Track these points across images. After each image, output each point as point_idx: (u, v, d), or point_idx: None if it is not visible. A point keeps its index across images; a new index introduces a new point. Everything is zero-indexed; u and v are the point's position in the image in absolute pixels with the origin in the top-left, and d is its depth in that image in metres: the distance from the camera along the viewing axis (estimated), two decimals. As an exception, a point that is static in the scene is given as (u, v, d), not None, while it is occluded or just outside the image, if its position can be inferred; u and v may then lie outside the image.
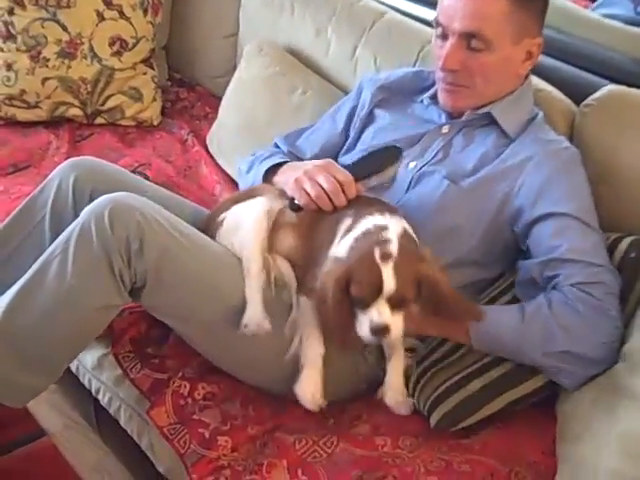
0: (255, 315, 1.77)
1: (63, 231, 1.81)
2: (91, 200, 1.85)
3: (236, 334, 1.80)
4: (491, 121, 1.99)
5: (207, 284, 1.82)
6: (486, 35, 1.88)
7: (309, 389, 1.78)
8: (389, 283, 1.61)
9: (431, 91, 2.10)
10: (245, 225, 1.89)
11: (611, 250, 1.86)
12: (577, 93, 2.12)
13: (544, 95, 2.10)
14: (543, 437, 1.80)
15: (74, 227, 1.77)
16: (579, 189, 1.88)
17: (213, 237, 1.94)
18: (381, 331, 1.63)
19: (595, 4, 3.16)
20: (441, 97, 2.03)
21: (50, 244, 1.85)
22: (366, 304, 1.63)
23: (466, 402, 1.81)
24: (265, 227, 1.88)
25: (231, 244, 1.90)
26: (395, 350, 1.86)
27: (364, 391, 1.96)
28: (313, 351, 1.80)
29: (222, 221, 1.95)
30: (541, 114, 2.01)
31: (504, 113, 1.98)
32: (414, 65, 2.40)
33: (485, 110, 1.98)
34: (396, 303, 1.63)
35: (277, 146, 2.32)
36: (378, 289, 1.62)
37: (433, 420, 1.82)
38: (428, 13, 2.57)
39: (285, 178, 2.02)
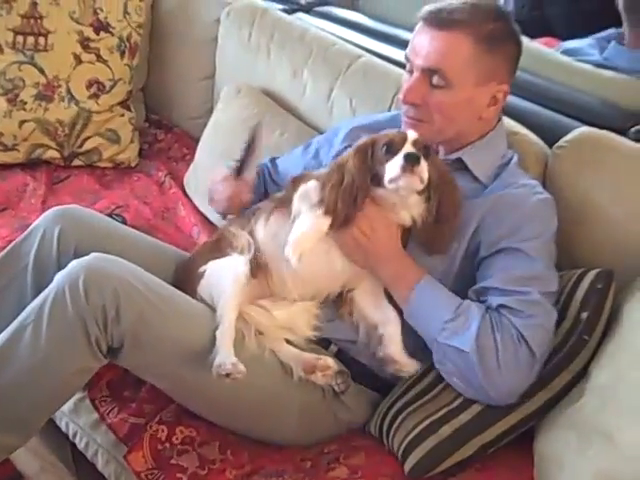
0: (228, 357, 1.75)
1: (45, 282, 1.81)
2: (75, 253, 1.86)
3: (215, 387, 1.79)
4: (463, 167, 1.99)
5: (182, 343, 1.81)
6: (446, 73, 1.89)
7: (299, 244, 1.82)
8: (412, 133, 1.85)
9: None
10: (225, 283, 1.88)
11: (577, 283, 1.87)
12: (549, 135, 2.14)
13: (518, 138, 2.12)
14: (522, 479, 1.79)
15: (48, 294, 1.76)
16: (539, 234, 1.86)
17: (194, 286, 1.94)
18: (412, 160, 1.78)
19: (558, 50, 3.19)
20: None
21: (31, 294, 1.85)
22: (393, 150, 1.81)
23: (437, 449, 1.80)
24: (244, 287, 1.88)
25: (210, 297, 1.90)
26: (391, 314, 1.88)
27: (342, 434, 1.97)
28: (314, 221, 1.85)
29: (203, 273, 1.95)
30: (515, 158, 2.01)
31: (474, 158, 1.99)
32: (389, 108, 2.42)
33: (456, 155, 1.99)
34: (420, 149, 1.81)
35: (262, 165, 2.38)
36: (404, 137, 1.83)
37: (407, 467, 1.81)
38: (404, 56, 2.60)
39: None
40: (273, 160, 2.40)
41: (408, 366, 1.85)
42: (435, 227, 1.87)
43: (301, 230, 1.84)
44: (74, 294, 1.72)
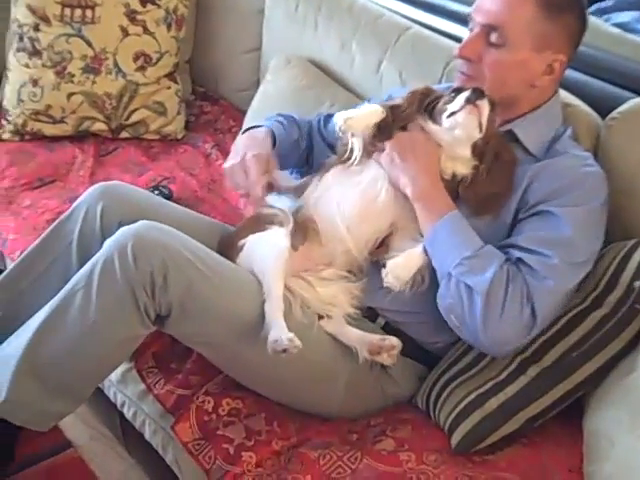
0: (283, 332, 1.74)
1: (89, 259, 1.81)
2: (119, 228, 1.85)
3: (262, 357, 1.78)
4: (514, 139, 1.96)
5: (231, 313, 1.81)
6: (505, 32, 1.87)
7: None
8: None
9: None
10: (266, 257, 1.88)
11: (631, 252, 1.84)
12: (602, 106, 2.10)
13: (570, 109, 2.08)
14: (570, 454, 1.79)
15: (97, 260, 1.77)
16: (579, 203, 1.84)
17: (233, 259, 1.94)
18: (478, 94, 1.83)
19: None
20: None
21: (76, 271, 1.86)
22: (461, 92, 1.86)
23: (483, 423, 1.80)
24: (286, 261, 1.87)
25: (250, 269, 1.90)
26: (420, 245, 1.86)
27: (389, 407, 1.97)
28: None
29: (242, 247, 1.95)
30: (569, 131, 1.98)
31: (526, 130, 1.96)
32: (440, 80, 2.38)
33: (507, 127, 1.96)
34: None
35: (311, 121, 2.34)
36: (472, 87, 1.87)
37: (454, 442, 1.81)
38: (453, 28, 2.58)
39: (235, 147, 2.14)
40: (328, 116, 2.34)
41: (393, 279, 1.82)
42: (485, 189, 1.88)
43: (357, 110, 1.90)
44: (123, 260, 1.73)
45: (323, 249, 1.95)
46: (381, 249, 1.94)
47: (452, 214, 1.85)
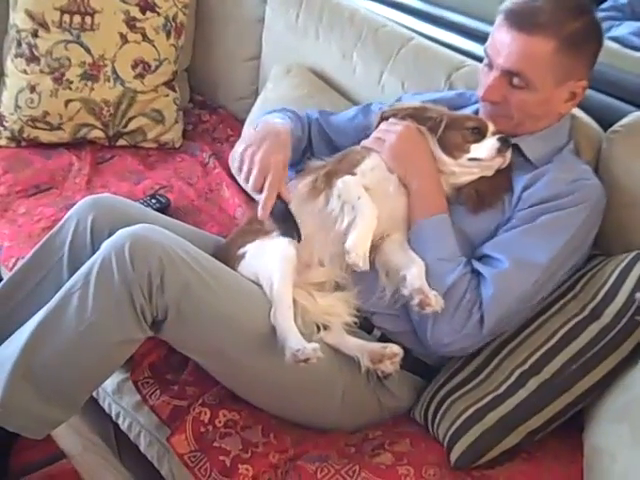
0: (303, 342, 1.73)
1: None
2: None
3: (260, 365, 1.78)
4: (517, 148, 1.97)
5: (228, 318, 1.80)
6: (528, 76, 1.87)
7: (362, 248, 1.82)
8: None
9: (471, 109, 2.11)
10: (274, 264, 1.86)
11: (633, 263, 1.83)
12: (603, 119, 2.10)
13: (573, 121, 2.07)
14: (569, 469, 1.78)
15: (94, 261, 1.76)
16: (561, 211, 1.87)
17: (232, 268, 1.92)
18: (508, 143, 1.91)
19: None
20: None
21: None
22: (481, 133, 1.94)
23: (483, 438, 1.79)
24: (294, 268, 1.86)
25: (255, 277, 1.88)
26: (415, 258, 1.89)
27: (387, 421, 1.95)
28: (370, 210, 1.86)
29: (243, 255, 1.93)
30: (571, 144, 2.00)
31: (532, 146, 1.97)
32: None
33: (513, 141, 1.95)
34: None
35: (308, 115, 2.30)
36: (486, 124, 1.95)
37: (453, 457, 1.80)
38: (455, 39, 2.59)
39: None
40: (324, 114, 2.31)
41: (434, 299, 1.80)
42: (485, 186, 1.96)
43: (357, 233, 1.84)
44: (120, 261, 1.72)
45: (315, 251, 1.95)
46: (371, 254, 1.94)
47: (442, 216, 1.93)
